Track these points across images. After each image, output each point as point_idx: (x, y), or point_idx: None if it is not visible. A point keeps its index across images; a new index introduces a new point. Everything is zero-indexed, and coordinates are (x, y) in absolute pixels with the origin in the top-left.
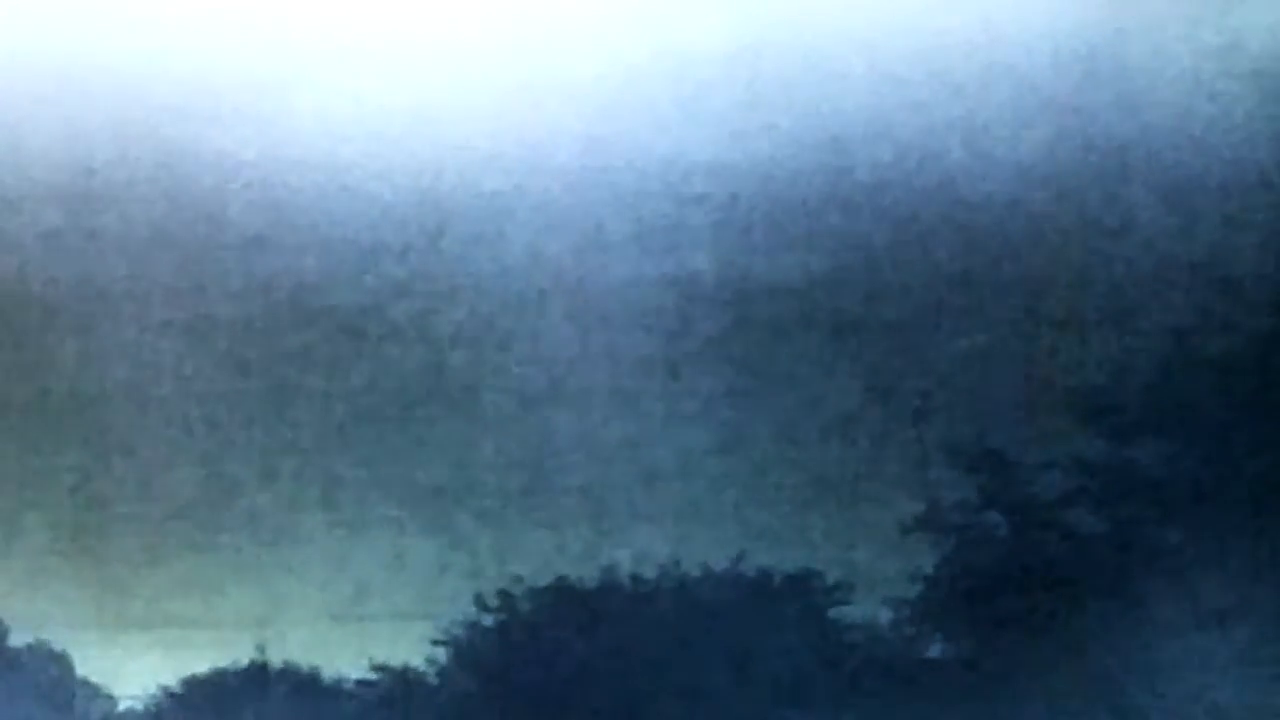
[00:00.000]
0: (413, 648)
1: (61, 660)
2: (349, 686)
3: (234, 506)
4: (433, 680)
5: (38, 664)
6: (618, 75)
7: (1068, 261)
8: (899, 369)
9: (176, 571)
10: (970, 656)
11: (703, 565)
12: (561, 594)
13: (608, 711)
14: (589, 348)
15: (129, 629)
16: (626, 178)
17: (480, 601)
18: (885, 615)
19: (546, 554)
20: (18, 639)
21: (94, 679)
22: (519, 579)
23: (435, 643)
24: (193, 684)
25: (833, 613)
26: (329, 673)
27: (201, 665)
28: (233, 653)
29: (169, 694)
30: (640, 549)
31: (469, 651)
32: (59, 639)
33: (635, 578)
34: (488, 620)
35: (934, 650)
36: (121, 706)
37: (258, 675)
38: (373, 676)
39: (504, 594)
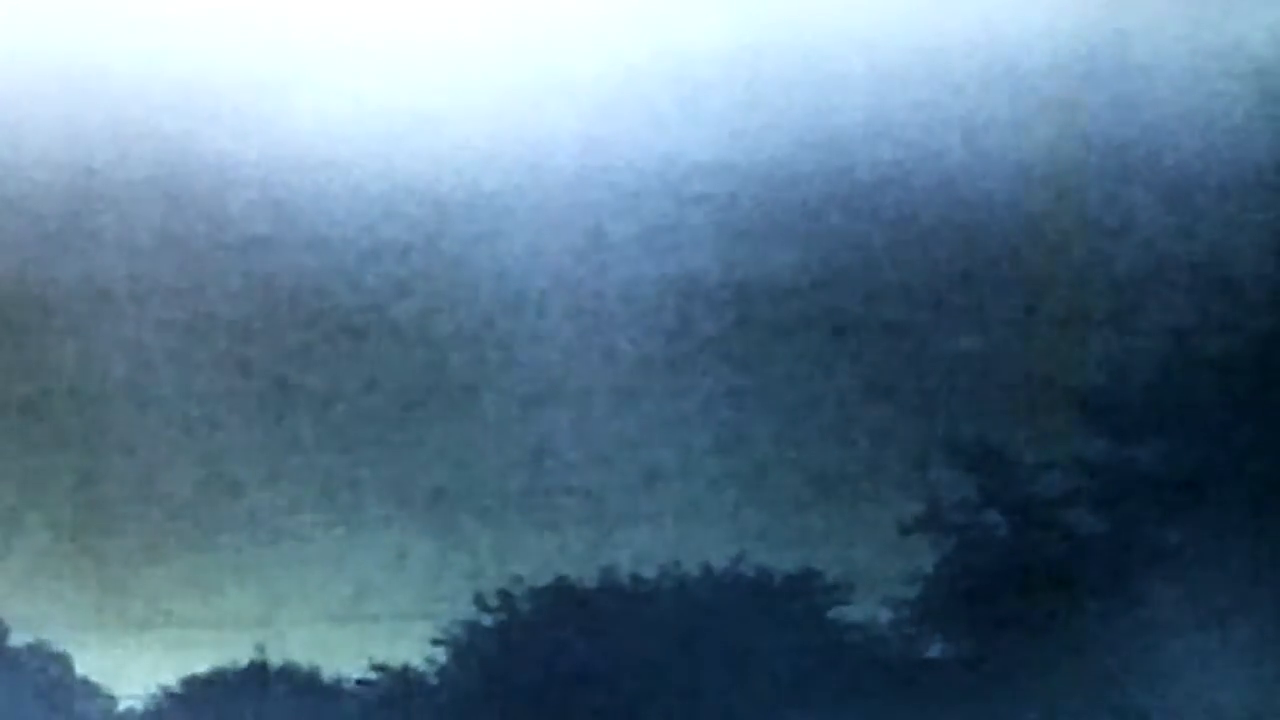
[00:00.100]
0: (413, 648)
1: (61, 660)
2: (349, 686)
3: (234, 506)
4: (433, 680)
5: (38, 664)
6: (618, 75)
7: (1068, 261)
8: (899, 369)
9: (176, 571)
10: (970, 656)
11: (703, 565)
12: (561, 594)
13: (608, 711)
14: (589, 348)
15: (129, 629)
16: (626, 178)
17: (480, 601)
18: (885, 615)
19: (546, 554)
20: (18, 639)
21: (94, 679)
22: (519, 579)
23: (435, 643)
24: (193, 684)
25: (832, 613)
26: (329, 673)
27: (201, 665)
28: (233, 653)
29: (169, 694)
30: (640, 549)
31: (469, 651)
32: (59, 639)
33: (635, 578)
34: (488, 620)
35: (934, 650)
36: (121, 706)
37: (258, 675)
38: (373, 676)
39: (504, 594)
